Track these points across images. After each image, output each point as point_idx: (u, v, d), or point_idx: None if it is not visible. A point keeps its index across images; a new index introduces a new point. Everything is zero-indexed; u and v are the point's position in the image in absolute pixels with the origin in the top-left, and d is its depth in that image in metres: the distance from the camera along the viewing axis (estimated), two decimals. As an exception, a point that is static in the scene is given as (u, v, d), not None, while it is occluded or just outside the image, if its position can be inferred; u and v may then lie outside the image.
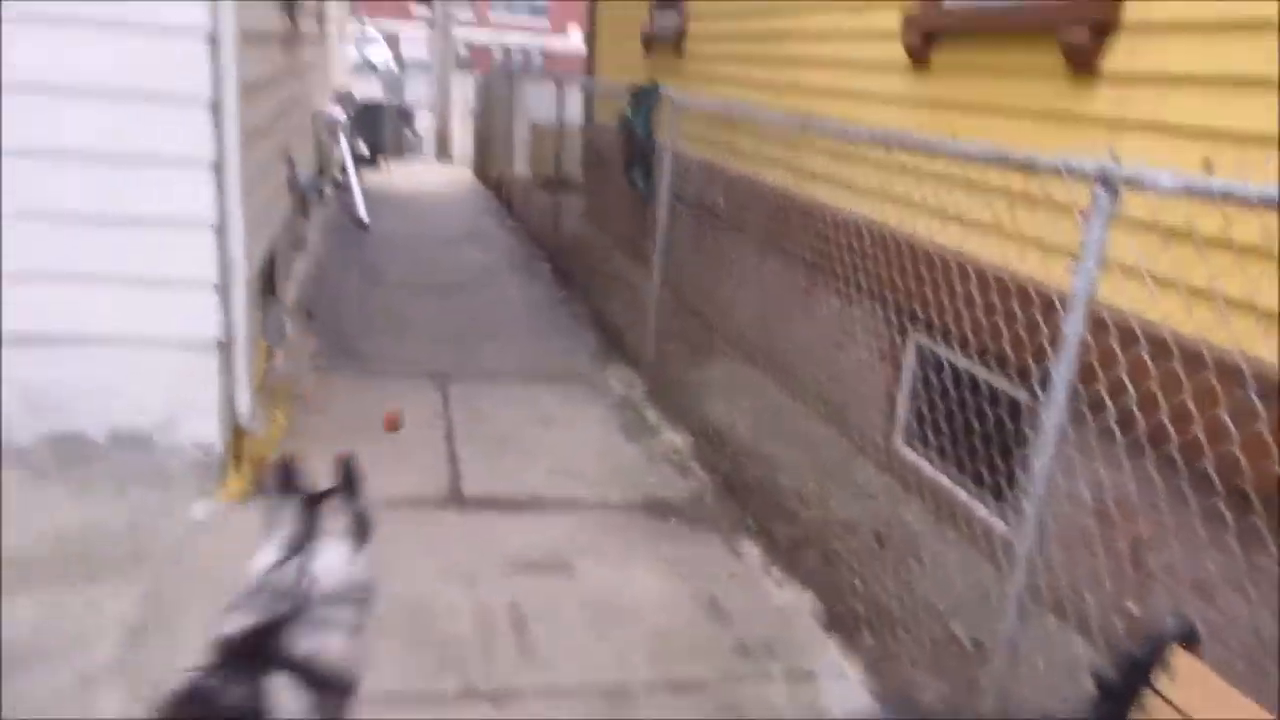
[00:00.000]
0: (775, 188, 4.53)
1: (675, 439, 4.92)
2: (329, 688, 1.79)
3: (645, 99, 6.03)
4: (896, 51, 4.53)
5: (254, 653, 1.72)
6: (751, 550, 3.89)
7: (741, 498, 4.25)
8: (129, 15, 3.43)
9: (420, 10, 43.63)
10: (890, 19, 4.58)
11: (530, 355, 6.23)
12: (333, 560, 1.91)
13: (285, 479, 2.01)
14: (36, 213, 3.52)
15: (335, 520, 1.98)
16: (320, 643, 1.79)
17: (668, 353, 5.81)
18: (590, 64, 11.21)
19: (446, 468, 4.40)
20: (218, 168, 3.64)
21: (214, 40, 3.53)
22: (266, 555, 1.90)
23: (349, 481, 2.05)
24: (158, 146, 3.54)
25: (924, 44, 4.34)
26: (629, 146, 6.25)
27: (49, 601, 3.04)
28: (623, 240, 8.73)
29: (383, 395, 5.23)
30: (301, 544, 1.89)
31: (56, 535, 3.40)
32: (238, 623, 1.76)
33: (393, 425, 4.72)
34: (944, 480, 3.93)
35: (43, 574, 3.17)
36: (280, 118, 5.80)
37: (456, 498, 4.12)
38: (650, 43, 8.73)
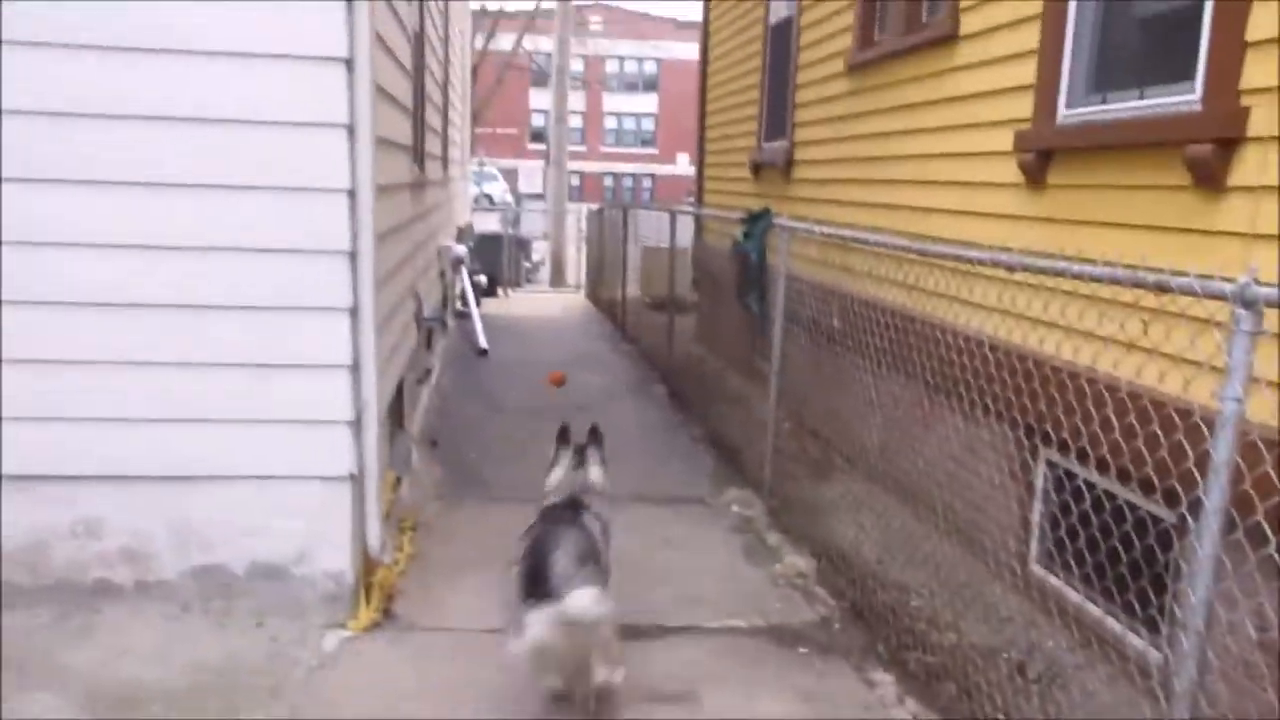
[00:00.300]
0: (892, 307, 4.52)
1: (798, 562, 4.82)
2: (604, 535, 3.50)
3: (758, 224, 6.15)
4: (1009, 169, 4.53)
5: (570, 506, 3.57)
6: (884, 680, 3.75)
7: (871, 624, 4.11)
8: (277, 180, 3.70)
9: (535, 146, 45.76)
10: (1001, 138, 4.60)
11: (648, 478, 6.24)
12: (594, 473, 3.86)
13: (562, 434, 4.07)
14: (188, 361, 3.76)
15: (592, 454, 3.96)
16: (597, 510, 3.59)
17: (786, 473, 5.75)
18: (700, 190, 11.51)
19: (569, 595, 4.39)
20: (353, 312, 3.84)
21: (353, 196, 3.78)
22: (559, 473, 3.92)
23: (595, 433, 4.09)
24: (300, 295, 3.76)
25: (1038, 161, 4.33)
26: (743, 271, 6.35)
27: (192, 735, 3.12)
28: (736, 360, 8.77)
29: (505, 522, 5.24)
30: (578, 466, 3.85)
31: (197, 668, 3.51)
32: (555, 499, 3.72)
33: (558, 382, 5.02)
34: (1089, 607, 3.74)
35: (185, 707, 3.27)
36: (409, 258, 6.11)
37: (580, 627, 4.09)
38: (759, 168, 8.94)
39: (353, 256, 3.82)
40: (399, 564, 4.47)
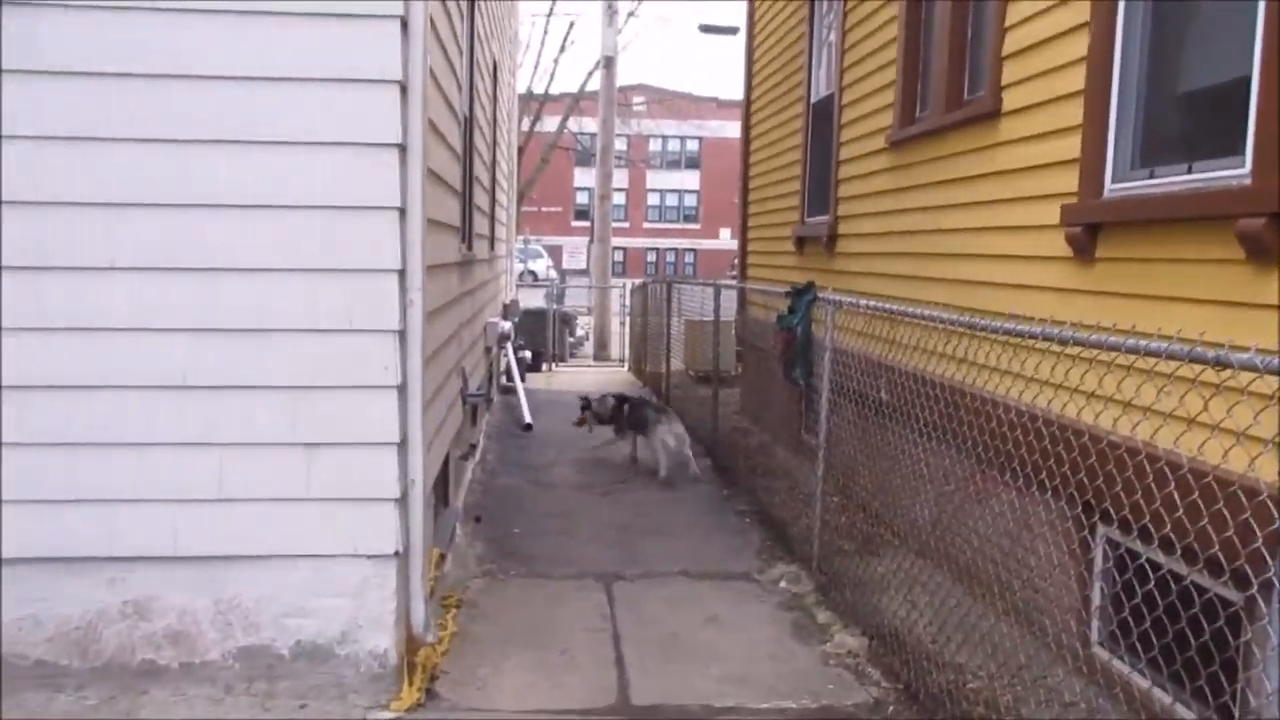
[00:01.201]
0: (941, 380, 4.47)
1: (849, 640, 4.70)
2: None
3: (802, 298, 6.14)
4: (1056, 242, 4.50)
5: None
6: (942, 769, 3.62)
7: (927, 707, 3.98)
8: (329, 262, 3.78)
9: (579, 223, 46.44)
10: (1048, 212, 4.58)
11: (694, 553, 6.17)
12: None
13: (585, 403, 9.08)
14: (236, 441, 3.80)
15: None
16: None
17: (836, 548, 5.65)
18: (743, 264, 11.57)
19: (614, 674, 4.32)
20: (401, 389, 3.87)
21: (403, 276, 3.84)
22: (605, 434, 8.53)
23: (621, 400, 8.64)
24: (350, 373, 3.80)
25: (1085, 235, 4.30)
26: (788, 345, 6.33)
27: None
28: (782, 434, 8.70)
29: (549, 598, 5.26)
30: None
31: (242, 752, 3.49)
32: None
33: None
34: (1157, 693, 3.59)
35: (230, 791, 3.24)
36: (455, 335, 6.18)
37: (625, 707, 4.01)
38: (802, 242, 8.97)
39: (402, 335, 3.87)
40: (442, 643, 4.42)
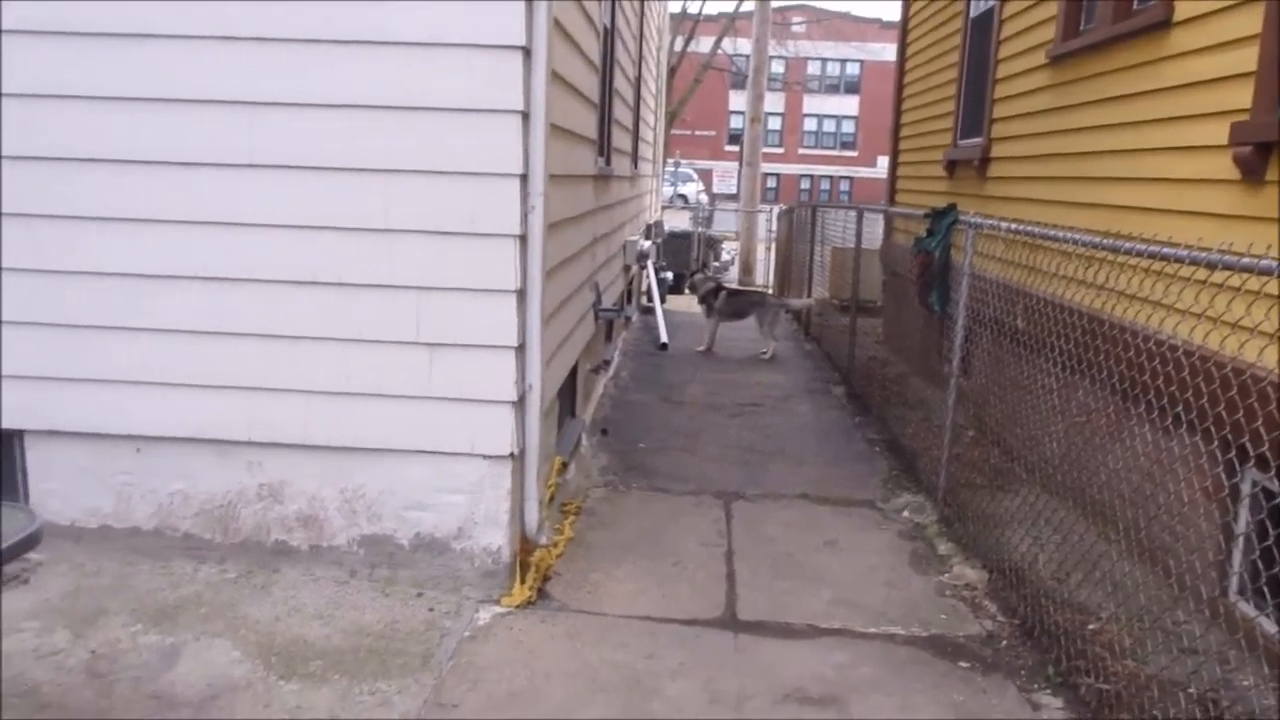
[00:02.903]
0: (1081, 309, 4.22)
1: (968, 573, 4.58)
2: None
3: (942, 220, 5.89)
4: (1222, 163, 4.15)
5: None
6: (1051, 704, 3.50)
7: (1042, 644, 3.85)
8: (450, 164, 3.83)
9: (732, 148, 45.80)
10: (1215, 131, 4.21)
11: (818, 478, 6.10)
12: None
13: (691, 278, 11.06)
14: (363, 338, 3.95)
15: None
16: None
17: (963, 481, 5.48)
18: (892, 189, 11.19)
19: (724, 588, 4.34)
20: (521, 295, 3.93)
21: (525, 181, 3.86)
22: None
23: (718, 288, 10.61)
24: (469, 276, 3.88)
25: (1255, 155, 3.94)
26: (925, 270, 6.10)
27: (344, 694, 3.27)
28: (920, 364, 8.46)
29: (667, 511, 5.32)
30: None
31: (359, 631, 3.68)
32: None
33: None
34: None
35: (344, 667, 3.44)
36: (588, 249, 6.21)
37: (731, 620, 4.04)
38: (953, 166, 8.59)
39: (523, 240, 3.91)
40: (558, 546, 4.54)
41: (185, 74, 3.83)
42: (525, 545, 4.19)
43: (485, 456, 4.00)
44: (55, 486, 4.15)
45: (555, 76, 4.27)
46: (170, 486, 4.14)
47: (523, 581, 4.08)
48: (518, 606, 3.98)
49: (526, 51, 3.79)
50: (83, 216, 3.93)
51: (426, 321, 3.93)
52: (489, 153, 3.82)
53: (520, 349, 3.98)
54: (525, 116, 3.83)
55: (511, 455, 3.99)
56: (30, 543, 2.49)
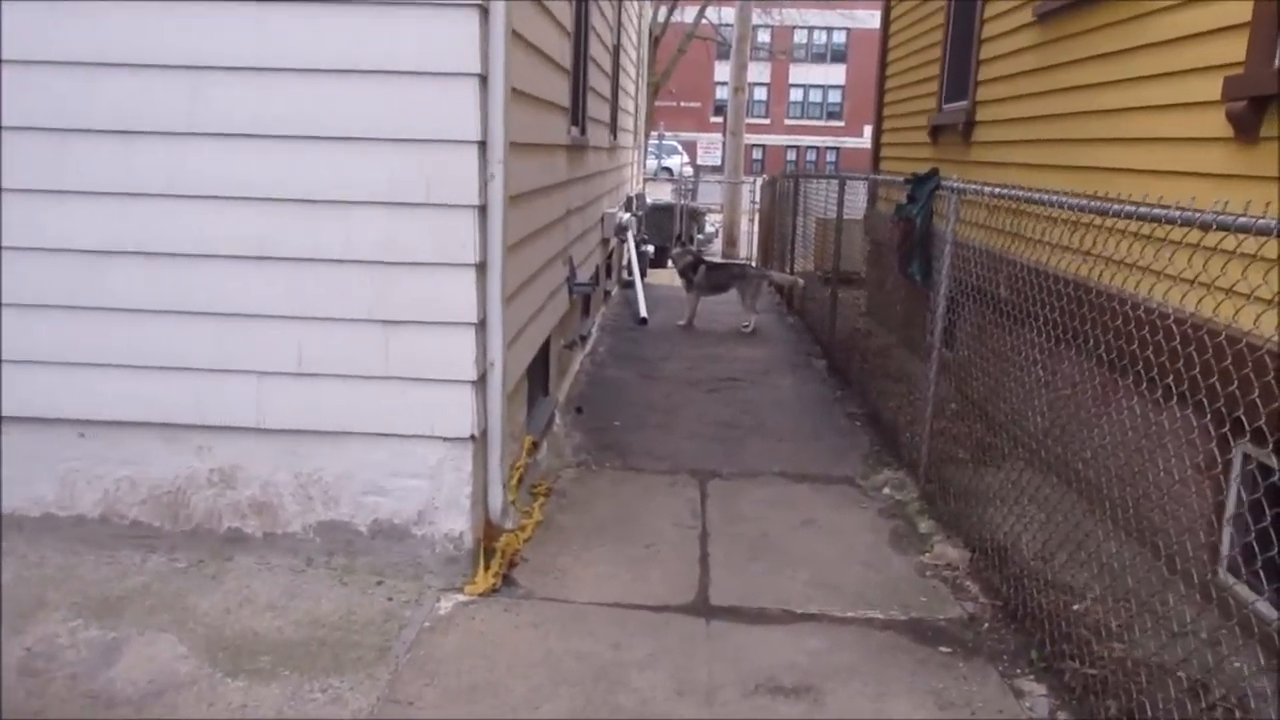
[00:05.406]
0: (1067, 277, 4.05)
1: (949, 552, 4.44)
2: None
3: (923, 186, 5.70)
4: (1215, 121, 3.97)
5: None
6: (1035, 690, 3.36)
7: (1025, 626, 3.71)
8: (404, 131, 3.62)
9: (717, 119, 45.36)
10: (1208, 86, 4.03)
11: (797, 454, 5.95)
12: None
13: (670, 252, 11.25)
14: (316, 315, 3.75)
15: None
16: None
17: (946, 456, 5.33)
18: (876, 157, 10.99)
19: (697, 572, 4.18)
20: (481, 268, 3.73)
21: (484, 148, 3.66)
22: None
23: (697, 261, 10.49)
24: (425, 249, 3.68)
25: (1250, 110, 3.76)
26: (906, 238, 5.91)
27: (294, 691, 3.10)
28: (903, 335, 8.29)
29: (641, 491, 5.15)
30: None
31: (313, 622, 3.51)
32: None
33: None
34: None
35: (296, 661, 3.26)
36: (560, 222, 6.01)
37: (703, 606, 3.88)
38: (937, 132, 8.40)
39: (482, 210, 3.71)
40: (525, 530, 4.37)
41: (121, 36, 3.60)
42: (490, 530, 4.01)
43: (445, 439, 3.81)
44: (-5, 474, 3.96)
45: (517, 37, 4.06)
46: (117, 473, 3.95)
47: (487, 568, 3.90)
48: (481, 594, 3.81)
49: (484, 10, 3.57)
50: (13, 189, 3.71)
51: (382, 298, 3.73)
52: (445, 119, 3.61)
53: (481, 325, 3.78)
54: (483, 79, 3.62)
55: (473, 437, 3.81)
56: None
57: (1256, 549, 2.72)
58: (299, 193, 3.66)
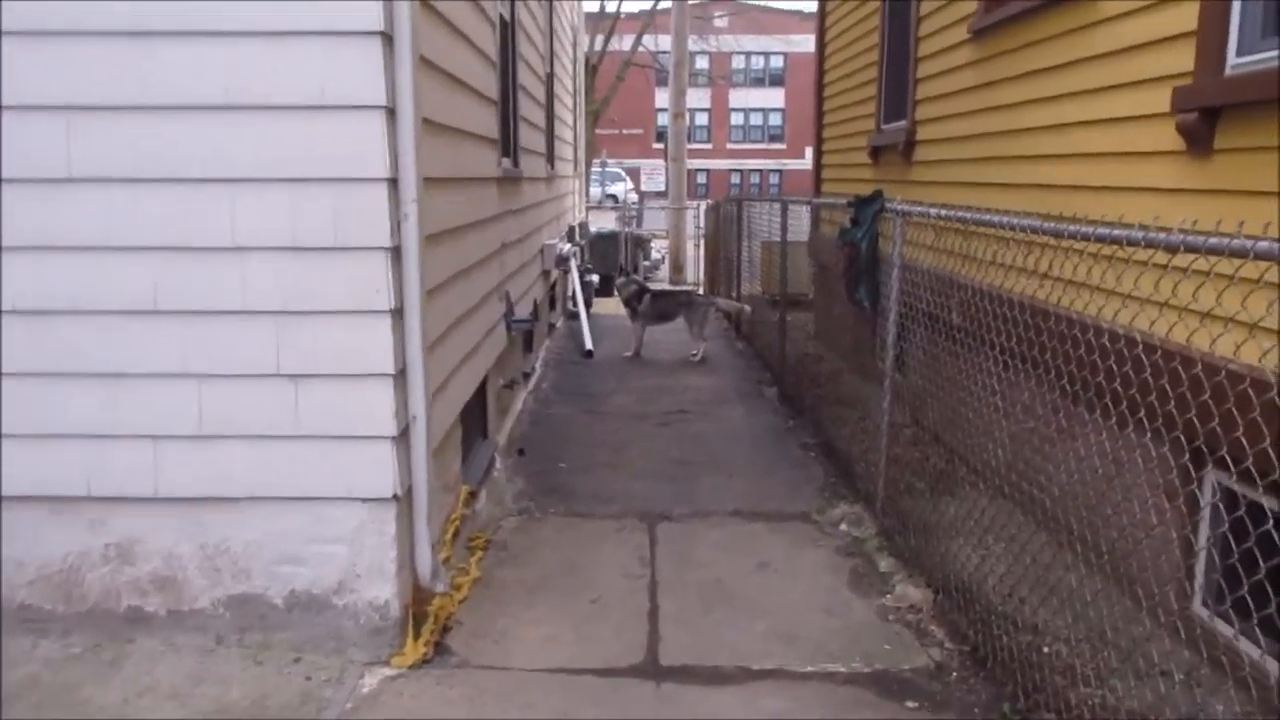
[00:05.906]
0: (1020, 299, 3.85)
1: (912, 593, 4.20)
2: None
3: (867, 209, 5.51)
4: (1165, 133, 3.82)
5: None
6: (1010, 748, 3.12)
7: (996, 674, 3.48)
8: (304, 171, 3.33)
9: (660, 145, 45.42)
10: (1156, 98, 3.88)
11: (750, 491, 5.70)
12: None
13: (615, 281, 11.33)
14: (216, 373, 3.44)
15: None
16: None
17: (904, 487, 5.11)
18: (817, 179, 10.86)
19: (646, 628, 3.91)
20: (397, 314, 3.44)
21: (394, 185, 3.38)
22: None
23: (642, 290, 10.25)
24: (332, 296, 3.38)
25: (1201, 122, 3.61)
26: (851, 263, 5.72)
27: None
28: (853, 359, 8.11)
29: (586, 539, 4.87)
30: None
31: (220, 709, 3.17)
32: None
33: None
34: (1270, 664, 3.02)
35: (199, 759, 2.93)
36: (494, 257, 5.74)
37: (653, 667, 3.60)
38: (878, 152, 8.27)
39: (395, 253, 3.42)
40: (461, 590, 4.06)
41: (-15, 73, 3.27)
42: (419, 594, 3.70)
43: (365, 500, 3.50)
44: None
45: (429, 66, 3.80)
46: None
47: (416, 637, 3.59)
48: (410, 667, 3.49)
49: (387, 37, 3.30)
50: None
51: (289, 350, 3.42)
52: (349, 156, 3.33)
53: (400, 376, 3.49)
54: (390, 112, 3.35)
55: (395, 496, 3.50)
56: None
57: (1239, 582, 2.51)
58: (189, 240, 3.35)
